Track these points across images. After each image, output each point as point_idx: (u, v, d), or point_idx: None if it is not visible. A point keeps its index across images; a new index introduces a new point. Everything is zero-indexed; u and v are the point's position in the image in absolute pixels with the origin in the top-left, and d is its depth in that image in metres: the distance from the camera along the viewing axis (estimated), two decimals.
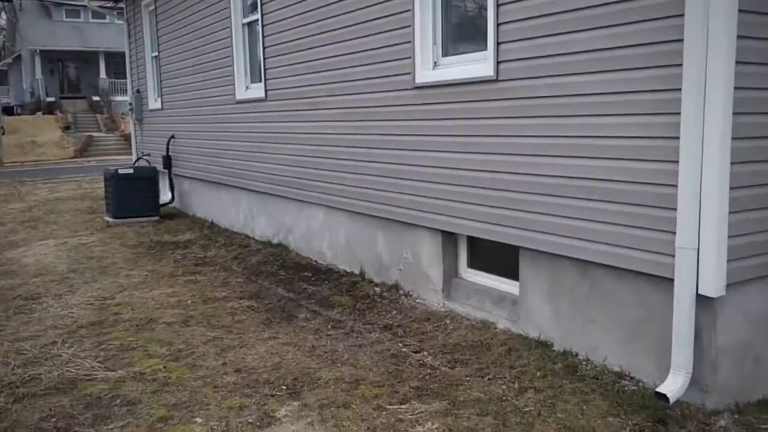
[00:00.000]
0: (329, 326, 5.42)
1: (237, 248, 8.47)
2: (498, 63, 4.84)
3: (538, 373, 4.31)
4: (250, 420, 3.86)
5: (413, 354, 4.78)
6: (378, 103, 6.14)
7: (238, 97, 8.99)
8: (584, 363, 4.41)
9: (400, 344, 4.98)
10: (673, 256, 3.71)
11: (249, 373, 4.51)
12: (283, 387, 4.29)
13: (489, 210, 5.03)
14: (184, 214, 11.47)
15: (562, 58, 4.35)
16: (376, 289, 6.30)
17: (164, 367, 4.65)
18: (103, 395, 4.24)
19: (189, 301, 6.24)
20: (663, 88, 3.75)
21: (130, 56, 13.62)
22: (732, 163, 3.54)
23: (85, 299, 6.41)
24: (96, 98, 39.05)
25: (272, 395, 4.17)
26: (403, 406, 3.97)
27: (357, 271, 6.77)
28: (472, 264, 5.70)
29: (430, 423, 3.76)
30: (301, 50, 7.32)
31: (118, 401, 4.15)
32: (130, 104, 13.56)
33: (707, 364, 3.76)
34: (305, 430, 3.72)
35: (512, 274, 5.13)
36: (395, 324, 5.41)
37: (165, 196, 11.87)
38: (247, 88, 8.96)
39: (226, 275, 7.22)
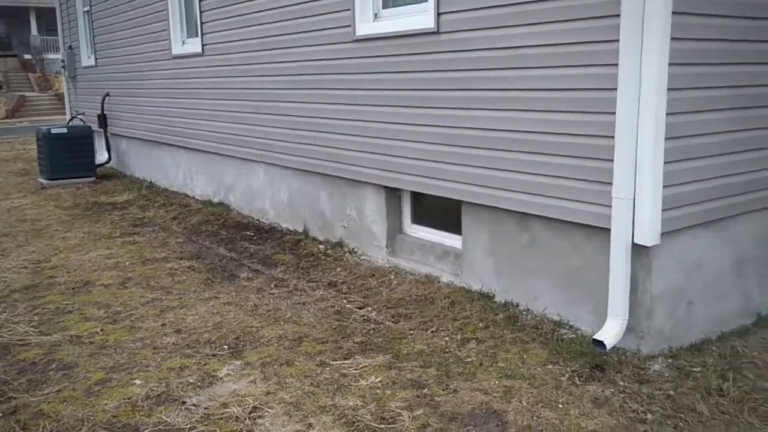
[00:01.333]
0: (272, 285, 5.37)
1: (177, 208, 8.28)
2: (438, 15, 4.77)
3: (480, 325, 4.36)
4: (191, 380, 3.80)
5: (357, 310, 4.77)
6: (319, 56, 6.01)
7: (175, 52, 8.69)
8: (524, 313, 4.48)
9: (345, 301, 4.96)
10: (610, 206, 3.76)
11: (189, 334, 4.44)
12: (225, 346, 4.23)
13: (431, 165, 5.01)
14: (122, 174, 11.14)
15: (500, 10, 4.30)
16: (320, 246, 6.26)
17: (101, 330, 4.54)
18: (37, 360, 4.12)
19: (127, 263, 6.09)
20: (600, 40, 3.75)
21: (61, 11, 13.01)
22: (668, 114, 3.58)
23: (18, 263, 6.18)
24: (28, 56, 37.32)
25: (213, 355, 4.12)
26: (346, 362, 3.97)
27: (300, 229, 6.71)
28: (416, 220, 5.70)
29: (373, 377, 3.77)
30: (238, 3, 7.09)
31: (54, 365, 4.04)
32: (63, 61, 13.00)
33: (642, 311, 3.86)
34: (247, 389, 3.68)
35: (455, 228, 5.15)
36: (339, 281, 5.39)
37: (101, 156, 11.49)
38: (183, 43, 8.66)
39: (166, 236, 7.07)
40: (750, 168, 4.07)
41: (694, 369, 3.77)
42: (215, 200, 8.32)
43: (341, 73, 5.78)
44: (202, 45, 7.92)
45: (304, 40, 6.15)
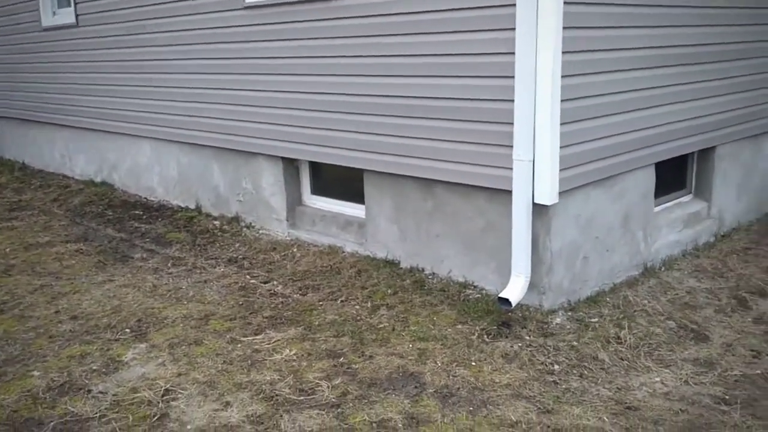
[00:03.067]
0: (169, 264, 5.17)
1: (56, 189, 7.78)
2: None
3: (389, 291, 4.40)
4: (94, 367, 3.62)
5: (263, 284, 4.69)
6: (207, 25, 5.77)
7: (45, 24, 8.07)
8: (431, 277, 4.56)
9: (248, 276, 4.86)
10: (512, 168, 3.87)
11: (87, 320, 4.21)
12: (127, 330, 4.05)
13: (330, 134, 4.96)
14: None
15: None
16: (215, 222, 6.09)
17: None
18: None
19: (8, 249, 5.68)
20: (498, 4, 3.81)
21: None
22: (563, 77, 3.71)
23: None
24: None
25: (116, 339, 3.93)
26: (258, 337, 3.90)
27: (193, 206, 6.49)
28: (316, 190, 5.64)
29: (288, 350, 3.73)
30: None
31: None
32: None
33: (543, 267, 4.02)
34: (157, 371, 3.55)
35: (358, 198, 5.14)
36: (240, 257, 5.27)
37: None
38: (54, 13, 8.05)
39: (47, 219, 6.63)
40: (637, 127, 4.30)
41: (593, 320, 3.98)
42: (97, 180, 7.89)
43: (231, 42, 5.59)
44: (76, 15, 7.40)
45: (190, 8, 5.88)
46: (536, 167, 3.81)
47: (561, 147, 3.80)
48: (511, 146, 3.85)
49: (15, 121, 9.46)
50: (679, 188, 5.25)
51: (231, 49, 5.61)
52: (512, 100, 3.78)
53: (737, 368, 3.53)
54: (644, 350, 3.69)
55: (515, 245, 3.96)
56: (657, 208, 4.89)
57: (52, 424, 3.11)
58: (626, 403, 3.21)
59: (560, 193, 3.89)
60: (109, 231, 6.15)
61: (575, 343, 3.72)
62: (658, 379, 3.44)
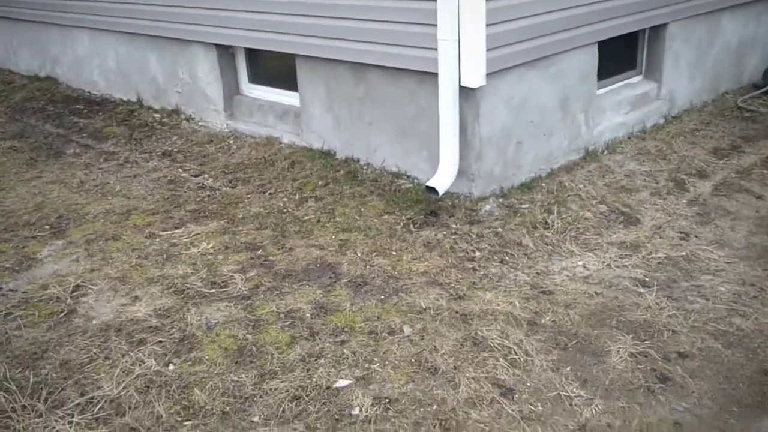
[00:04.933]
0: (101, 159, 5.02)
1: None
2: None
3: (320, 183, 4.29)
4: (7, 266, 3.53)
5: (193, 178, 4.56)
6: None
7: None
8: (365, 167, 4.43)
9: (180, 170, 4.72)
10: (436, 49, 3.66)
11: (7, 218, 4.10)
12: (46, 227, 3.95)
13: (262, 17, 4.69)
14: None
15: None
16: (156, 115, 5.87)
17: None
18: None
19: None
20: None
21: None
22: None
23: None
24: None
25: (33, 237, 3.84)
26: (177, 231, 3.81)
27: (134, 99, 6.25)
28: (254, 79, 5.41)
29: (205, 243, 3.64)
30: None
31: None
32: None
33: (473, 154, 3.89)
34: (69, 268, 3.47)
35: (294, 86, 4.92)
36: (175, 150, 5.11)
37: None
38: None
39: None
40: (575, 3, 4.05)
41: (523, 206, 3.90)
42: (42, 74, 7.57)
43: None
44: None
45: None
46: (462, 47, 3.60)
47: (488, 25, 3.58)
48: (436, 25, 3.62)
49: None
50: (628, 69, 5.05)
51: None
52: None
53: (662, 251, 3.48)
54: (571, 235, 3.63)
55: (443, 131, 3.81)
56: (602, 90, 4.71)
57: None
58: (542, 287, 3.17)
59: (489, 75, 3.70)
60: (47, 127, 5.94)
61: (500, 230, 3.65)
62: (580, 263, 3.40)
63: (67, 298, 3.20)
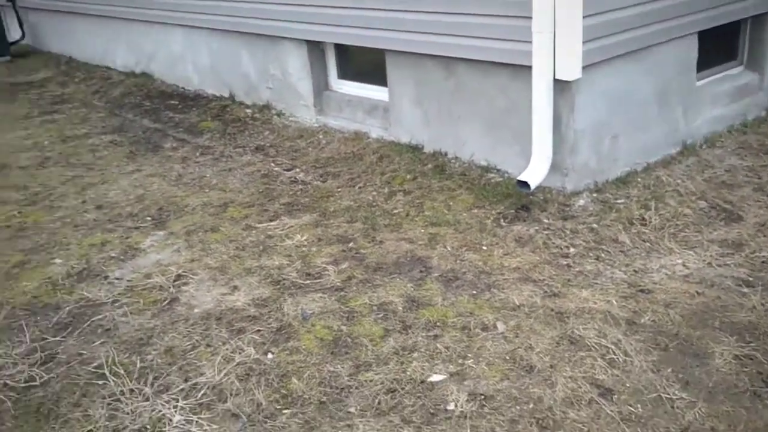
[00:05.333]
0: (197, 153, 5.19)
1: (98, 82, 7.85)
2: None
3: (408, 176, 4.30)
4: (112, 255, 3.71)
5: (285, 172, 4.66)
6: None
7: None
8: (453, 161, 4.42)
9: (272, 164, 4.83)
10: (531, 42, 3.61)
11: (111, 209, 4.30)
12: (148, 218, 4.12)
13: (352, 13, 4.73)
14: (39, 51, 10.44)
15: None
16: (248, 111, 6.03)
17: (19, 213, 4.36)
18: None
19: (46, 142, 5.81)
20: None
21: None
22: None
23: None
24: None
25: (136, 228, 4.01)
26: (272, 223, 3.90)
27: (227, 94, 6.43)
28: (343, 75, 5.47)
29: (299, 235, 3.72)
30: None
31: None
32: None
33: (567, 147, 3.82)
34: (171, 258, 3.61)
35: (382, 81, 4.95)
36: (267, 144, 5.23)
37: (15, 33, 10.70)
38: None
39: (87, 111, 6.72)
40: None
41: (619, 201, 3.80)
42: (137, 70, 7.89)
43: None
44: None
45: None
46: (557, 40, 3.54)
47: (584, 17, 3.50)
48: (530, 17, 3.57)
49: (59, 14, 9.47)
50: (729, 59, 4.84)
51: None
52: None
53: (767, 250, 3.32)
54: (669, 232, 3.51)
55: (535, 125, 3.75)
56: (701, 82, 4.53)
57: (68, 308, 3.23)
58: (640, 286, 3.09)
59: (584, 68, 3.62)
60: (144, 122, 6.19)
61: (595, 226, 3.57)
62: (679, 261, 3.29)
63: (169, 287, 3.33)
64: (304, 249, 3.58)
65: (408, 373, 2.61)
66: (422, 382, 2.56)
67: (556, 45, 3.55)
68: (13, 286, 3.47)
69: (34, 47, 10.65)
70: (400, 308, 3.01)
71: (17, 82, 8.45)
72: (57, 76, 8.53)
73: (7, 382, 2.76)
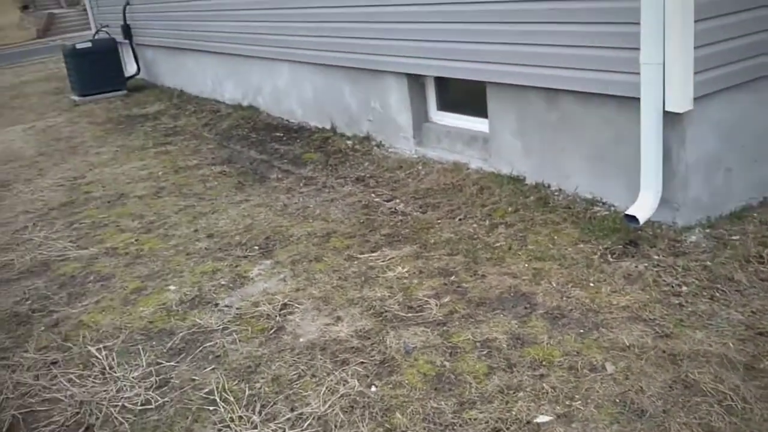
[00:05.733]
0: (301, 184, 5.34)
1: (207, 114, 8.24)
2: None
3: (510, 209, 4.27)
4: (222, 282, 3.86)
5: (385, 203, 4.72)
6: None
7: None
8: (556, 193, 4.35)
9: (373, 194, 4.91)
10: (638, 73, 3.53)
11: (221, 238, 4.48)
12: (256, 247, 4.26)
13: (452, 46, 4.78)
14: (152, 85, 11.09)
15: None
16: (348, 142, 6.16)
17: (136, 240, 4.62)
18: (76, 273, 4.23)
19: (160, 173, 6.13)
20: None
21: None
22: None
23: (55, 181, 6.29)
24: None
25: (245, 256, 4.16)
26: (374, 254, 3.95)
27: (328, 126, 6.60)
28: (442, 106, 5.52)
29: (400, 267, 3.75)
30: None
31: (92, 278, 4.14)
32: None
33: (677, 181, 3.69)
34: (277, 287, 3.72)
35: (482, 112, 4.96)
36: (368, 175, 5.32)
37: (131, 68, 11.42)
38: None
39: (197, 143, 7.06)
40: None
41: (733, 237, 3.63)
42: (244, 103, 8.23)
43: None
44: None
45: None
46: (666, 71, 3.44)
47: (695, 47, 3.40)
48: (638, 48, 3.50)
49: (171, 50, 10.03)
50: None
51: None
52: None
53: None
54: None
55: (644, 157, 3.65)
56: None
57: (181, 334, 3.38)
58: (759, 328, 2.92)
59: (695, 99, 3.51)
60: (251, 153, 6.43)
61: (709, 263, 3.42)
62: None
63: (276, 316, 3.43)
64: (405, 281, 3.61)
65: (513, 412, 2.57)
66: (528, 422, 2.52)
67: (666, 76, 3.46)
68: (131, 312, 3.67)
69: (148, 81, 11.31)
70: (504, 345, 2.97)
71: (133, 115, 8.98)
72: (169, 109, 9.01)
73: (125, 404, 2.91)
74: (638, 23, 3.45)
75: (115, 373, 3.12)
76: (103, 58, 10.27)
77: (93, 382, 3.08)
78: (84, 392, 3.01)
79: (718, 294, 3.21)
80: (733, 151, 3.82)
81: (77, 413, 2.89)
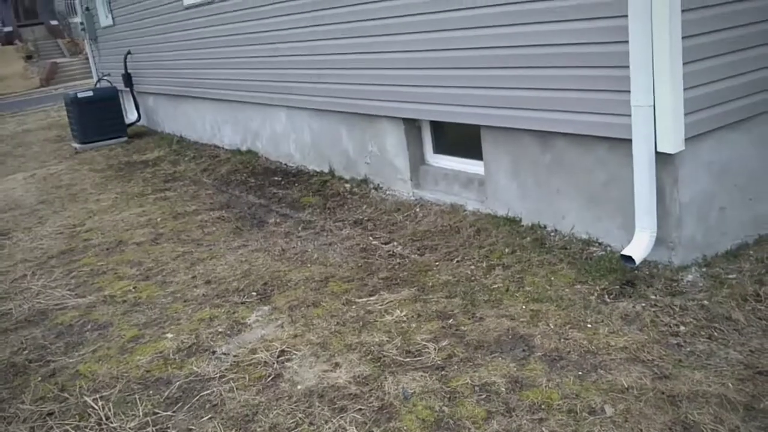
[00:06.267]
0: (299, 228, 5.36)
1: (206, 160, 8.31)
2: None
3: (507, 250, 4.28)
4: (220, 330, 3.85)
5: (383, 246, 4.74)
6: None
7: (186, 2, 8.55)
8: (552, 234, 4.37)
9: (371, 237, 4.93)
10: (629, 115, 3.58)
11: (219, 284, 4.48)
12: (253, 293, 4.26)
13: (446, 91, 4.85)
14: (153, 131, 11.21)
15: None
16: (346, 185, 6.20)
17: (134, 288, 4.62)
18: (74, 322, 4.22)
19: (159, 219, 6.16)
20: None
21: None
22: (683, 11, 3.35)
23: (54, 229, 6.31)
24: (54, 22, 37.40)
25: (242, 303, 4.15)
26: (372, 298, 3.95)
27: (326, 170, 6.65)
28: (438, 149, 5.58)
29: (398, 311, 3.75)
30: None
31: (89, 326, 4.14)
32: (82, 24, 12.98)
33: (671, 221, 3.71)
34: (275, 333, 3.71)
35: (478, 154, 5.01)
36: (365, 218, 5.35)
37: (131, 115, 11.56)
38: None
39: (196, 188, 7.11)
40: None
41: (730, 276, 3.64)
42: (243, 148, 8.31)
43: (341, 5, 5.59)
44: None
45: None
46: (657, 113, 3.50)
47: (685, 89, 3.46)
48: (629, 91, 3.55)
49: (171, 97, 10.17)
50: None
51: (342, 13, 5.62)
52: (626, 41, 3.47)
53: None
54: None
55: (638, 198, 3.68)
56: None
57: (178, 383, 3.36)
58: (758, 367, 2.91)
59: (687, 140, 3.55)
60: (249, 197, 6.47)
61: (706, 302, 3.42)
62: None
63: (273, 363, 3.42)
64: (403, 325, 3.60)
65: None
66: None
67: (657, 118, 3.51)
68: (128, 360, 3.65)
69: (149, 128, 11.44)
70: (503, 389, 2.95)
71: (133, 161, 9.06)
72: (169, 155, 9.09)
73: None
74: (628, 66, 3.51)
75: (112, 423, 3.10)
76: (104, 106, 10.41)
77: None
78: None
79: (716, 333, 3.20)
80: (727, 190, 3.84)
81: None
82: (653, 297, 3.54)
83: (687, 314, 3.35)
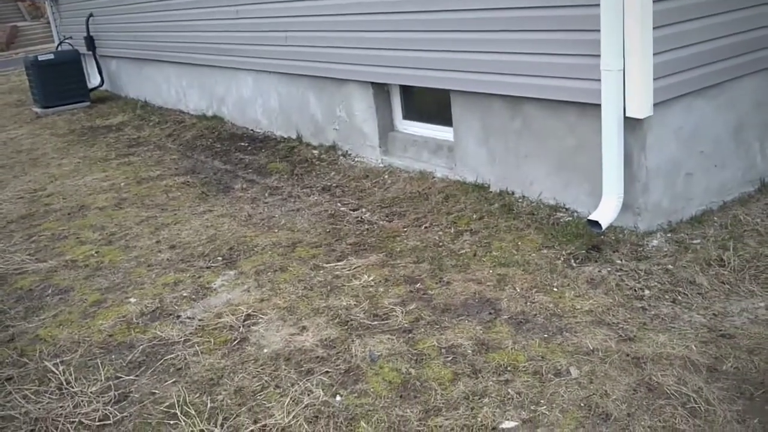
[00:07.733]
0: (266, 194, 5.29)
1: (171, 125, 8.14)
2: None
3: (475, 216, 4.27)
4: (184, 294, 3.79)
5: (351, 212, 4.70)
6: None
7: None
8: (520, 200, 4.37)
9: (339, 204, 4.88)
10: (599, 80, 3.56)
11: (184, 249, 4.40)
12: (219, 258, 4.20)
13: (416, 54, 4.79)
14: (117, 96, 10.93)
15: None
16: (314, 152, 6.13)
17: (96, 252, 4.52)
18: (34, 287, 4.13)
19: (122, 184, 6.03)
20: None
21: None
22: None
23: (14, 194, 6.15)
24: None
25: (208, 267, 4.09)
26: (340, 263, 3.92)
27: (294, 136, 6.56)
28: (408, 115, 5.52)
29: (366, 276, 3.72)
30: None
31: (50, 291, 4.04)
32: None
33: (638, 186, 3.73)
34: (241, 297, 3.67)
35: (447, 121, 4.97)
36: (334, 185, 5.29)
37: (95, 79, 11.25)
38: None
39: (161, 154, 6.97)
40: (745, 27, 3.82)
41: (694, 241, 3.68)
42: (209, 114, 8.16)
43: None
44: None
45: None
46: (627, 77, 3.49)
47: (654, 54, 3.45)
48: (599, 55, 3.53)
49: (135, 61, 9.92)
50: None
51: None
52: (597, 5, 3.44)
53: None
54: (750, 273, 3.37)
55: (606, 163, 3.68)
56: None
57: (141, 347, 3.30)
58: (721, 330, 2.96)
59: (655, 105, 3.55)
60: (215, 163, 6.36)
61: (671, 267, 3.46)
62: (762, 304, 3.14)
63: (239, 327, 3.38)
64: (371, 289, 3.58)
65: (479, 419, 2.55)
66: (494, 428, 2.50)
67: (626, 83, 3.50)
68: (90, 325, 3.58)
69: (112, 92, 11.16)
70: (470, 351, 2.96)
71: (96, 126, 8.85)
72: (133, 120, 8.89)
73: (83, 420, 2.83)
74: (598, 30, 3.49)
75: (73, 388, 3.04)
76: (66, 69, 10.11)
77: (49, 398, 2.99)
78: (39, 409, 2.92)
79: (680, 297, 3.24)
80: (693, 157, 3.87)
81: (32, 431, 2.80)
82: (619, 261, 3.56)
83: (652, 278, 3.38)
